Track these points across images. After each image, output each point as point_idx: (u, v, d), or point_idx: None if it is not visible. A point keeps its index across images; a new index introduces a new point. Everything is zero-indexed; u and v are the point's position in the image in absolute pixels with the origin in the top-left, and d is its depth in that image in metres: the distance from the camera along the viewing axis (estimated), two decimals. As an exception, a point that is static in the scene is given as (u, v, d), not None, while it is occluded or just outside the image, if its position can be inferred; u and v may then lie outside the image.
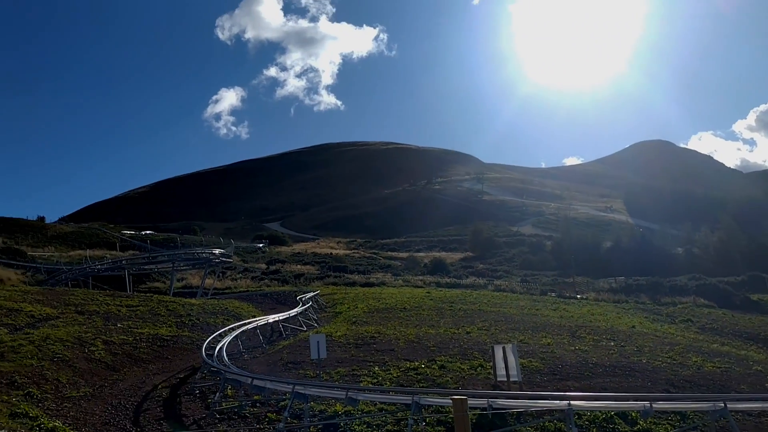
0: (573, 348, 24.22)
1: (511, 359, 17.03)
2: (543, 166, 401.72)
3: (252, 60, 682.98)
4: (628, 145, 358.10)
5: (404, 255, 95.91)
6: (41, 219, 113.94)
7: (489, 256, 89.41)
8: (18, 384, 18.86)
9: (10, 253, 66.85)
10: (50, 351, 22.56)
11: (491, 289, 54.29)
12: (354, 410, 15.04)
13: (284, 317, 33.15)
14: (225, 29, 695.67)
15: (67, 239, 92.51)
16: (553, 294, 51.45)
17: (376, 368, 20.37)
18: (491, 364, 18.66)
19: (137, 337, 27.45)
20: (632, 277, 59.71)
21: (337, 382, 18.36)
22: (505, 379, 17.17)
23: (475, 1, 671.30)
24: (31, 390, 18.53)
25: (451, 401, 13.52)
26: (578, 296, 50.36)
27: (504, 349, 17.48)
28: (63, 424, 15.86)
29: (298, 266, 75.79)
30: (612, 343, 25.88)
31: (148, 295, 44.03)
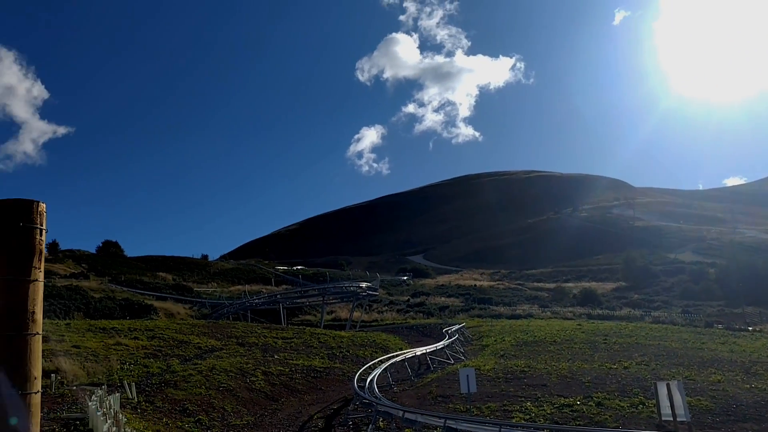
0: (748, 386, 22.01)
1: (677, 397, 15.82)
2: (701, 187, 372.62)
3: (390, 98, 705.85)
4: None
5: (551, 286, 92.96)
6: (205, 257, 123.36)
7: (644, 286, 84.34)
8: (189, 411, 20.43)
9: (179, 289, 73.36)
10: (216, 381, 24.22)
11: (649, 321, 51.26)
12: (507, 447, 14.64)
13: (431, 350, 33.21)
14: (364, 71, 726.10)
15: (228, 275, 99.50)
16: (721, 326, 47.52)
17: (528, 404, 19.75)
18: (654, 402, 17.46)
19: (293, 368, 28.74)
20: (814, 307, 53.68)
21: (488, 417, 18.01)
22: (671, 419, 15.97)
23: (615, 22, 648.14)
24: (200, 417, 19.99)
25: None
26: (750, 328, 46.13)
27: (668, 385, 16.30)
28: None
29: (442, 298, 75.88)
30: (795, 382, 23.22)
31: (300, 327, 46.12)
